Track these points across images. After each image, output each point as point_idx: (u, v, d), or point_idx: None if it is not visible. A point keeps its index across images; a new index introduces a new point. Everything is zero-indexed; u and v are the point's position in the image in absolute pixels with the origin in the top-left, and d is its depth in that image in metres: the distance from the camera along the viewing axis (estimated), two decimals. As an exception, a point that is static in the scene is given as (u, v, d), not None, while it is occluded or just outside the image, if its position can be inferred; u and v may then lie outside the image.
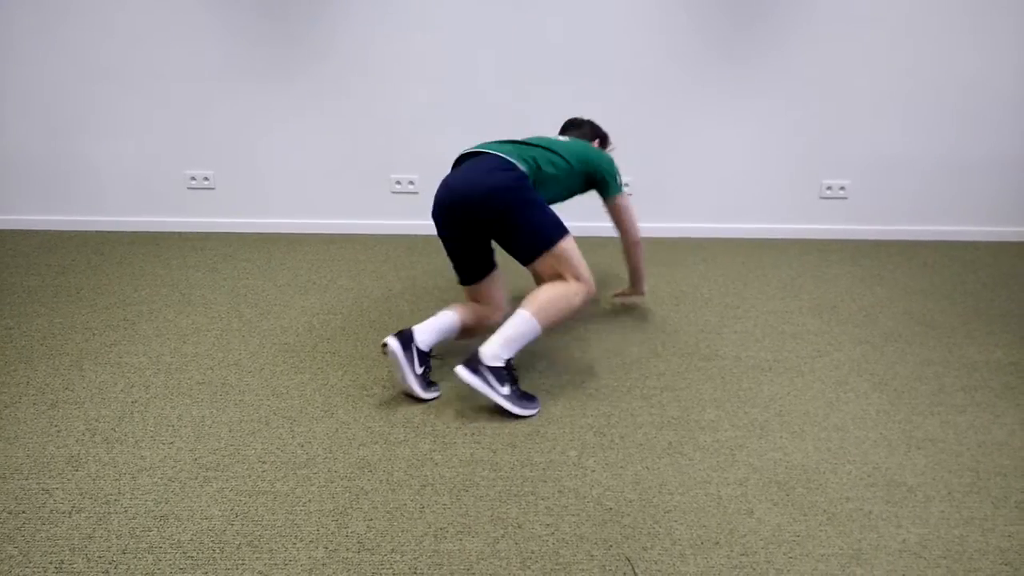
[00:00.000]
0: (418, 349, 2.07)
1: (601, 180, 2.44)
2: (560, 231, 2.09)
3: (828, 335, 2.63)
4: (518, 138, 2.44)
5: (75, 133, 3.70)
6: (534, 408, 2.05)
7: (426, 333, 2.09)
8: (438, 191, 2.18)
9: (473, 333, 2.34)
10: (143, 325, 2.65)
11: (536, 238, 2.07)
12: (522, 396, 2.05)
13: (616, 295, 2.83)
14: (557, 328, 2.22)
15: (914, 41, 3.54)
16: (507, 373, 2.02)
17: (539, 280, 2.17)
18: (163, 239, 3.70)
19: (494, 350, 2.00)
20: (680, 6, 3.50)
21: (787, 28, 3.52)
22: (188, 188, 3.79)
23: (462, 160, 2.28)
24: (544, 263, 2.09)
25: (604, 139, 2.71)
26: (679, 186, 3.79)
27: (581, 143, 2.44)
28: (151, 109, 3.67)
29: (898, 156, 3.73)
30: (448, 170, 3.73)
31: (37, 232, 3.79)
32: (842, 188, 3.78)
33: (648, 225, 3.85)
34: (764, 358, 2.45)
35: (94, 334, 2.57)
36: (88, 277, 3.13)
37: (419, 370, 2.08)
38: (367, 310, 2.82)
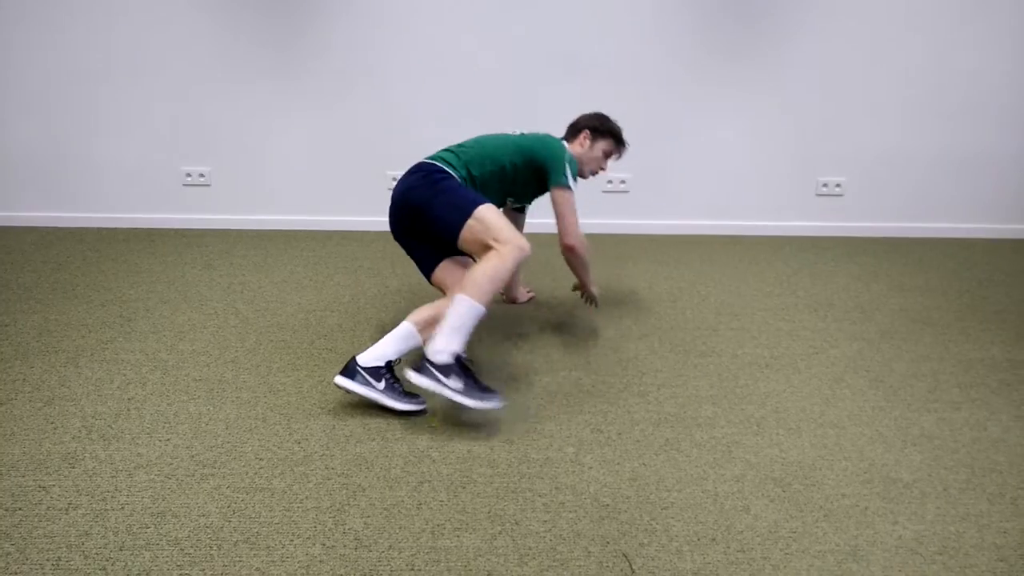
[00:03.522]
0: (366, 369, 2.01)
1: (541, 167, 2.37)
2: (477, 202, 2.13)
3: (824, 332, 2.64)
4: (473, 137, 2.43)
5: (71, 130, 3.69)
6: (493, 401, 1.95)
7: (381, 348, 2.04)
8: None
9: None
10: (139, 322, 2.64)
11: (454, 213, 2.12)
12: (480, 389, 1.95)
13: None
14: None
15: (910, 38, 3.54)
16: (458, 367, 1.95)
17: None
18: (159, 236, 3.69)
19: (439, 344, 1.95)
20: (678, 4, 3.49)
21: (784, 26, 3.53)
22: (184, 185, 3.78)
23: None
24: (469, 234, 2.10)
25: (596, 130, 2.55)
26: (675, 183, 3.80)
27: (532, 136, 2.40)
28: (147, 106, 3.65)
29: (894, 153, 3.73)
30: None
31: (33, 228, 3.77)
32: (838, 185, 3.79)
33: (645, 222, 3.86)
34: (760, 355, 2.45)
35: (90, 331, 2.56)
36: (84, 274, 3.12)
37: (380, 386, 2.01)
38: (364, 307, 2.81)
